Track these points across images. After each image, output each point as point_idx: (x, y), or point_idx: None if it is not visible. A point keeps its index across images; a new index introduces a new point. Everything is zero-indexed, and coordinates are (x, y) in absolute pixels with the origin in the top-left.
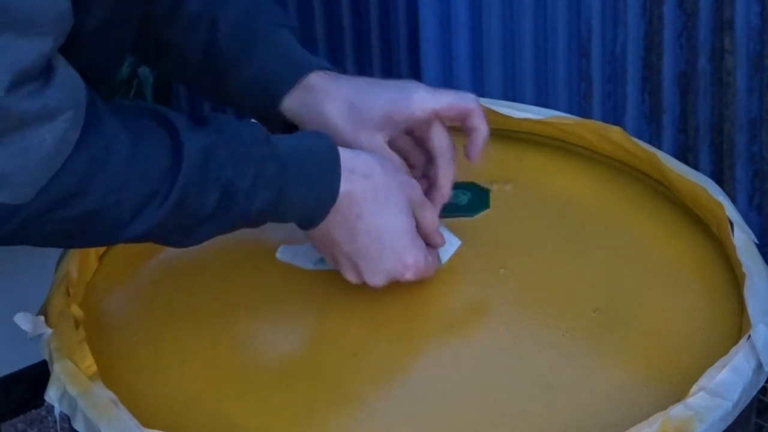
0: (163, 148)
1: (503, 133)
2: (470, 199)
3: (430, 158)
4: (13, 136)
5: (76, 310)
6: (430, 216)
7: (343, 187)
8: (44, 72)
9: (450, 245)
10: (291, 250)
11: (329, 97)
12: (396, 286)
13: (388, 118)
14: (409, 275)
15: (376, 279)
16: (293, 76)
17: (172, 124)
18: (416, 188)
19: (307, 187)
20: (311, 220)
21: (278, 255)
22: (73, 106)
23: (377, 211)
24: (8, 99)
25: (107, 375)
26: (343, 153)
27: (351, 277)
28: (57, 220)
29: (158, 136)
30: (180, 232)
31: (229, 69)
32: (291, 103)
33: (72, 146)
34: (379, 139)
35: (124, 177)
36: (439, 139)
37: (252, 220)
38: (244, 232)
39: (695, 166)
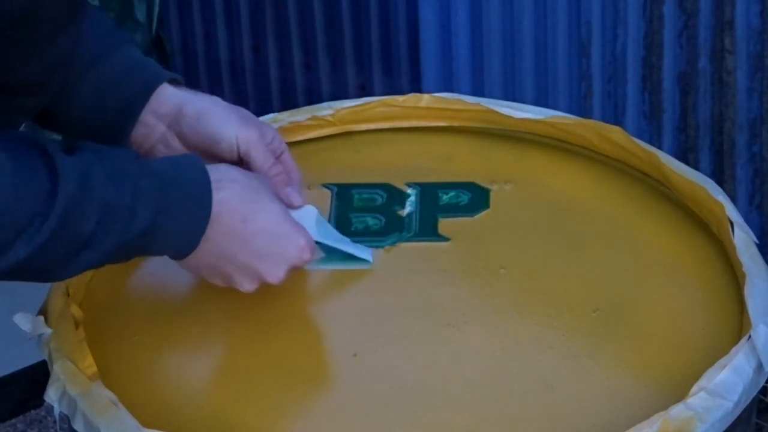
0: (41, 172)
1: (503, 133)
2: (470, 199)
3: None
4: None
5: (76, 310)
6: (286, 198)
7: (217, 195)
8: None
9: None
10: None
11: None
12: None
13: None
14: (306, 256)
15: (279, 273)
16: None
17: (47, 150)
18: (267, 178)
19: (185, 201)
20: (192, 238)
21: None
22: None
23: (258, 209)
24: None
25: (107, 375)
26: (207, 166)
27: (249, 285)
28: None
29: (36, 160)
30: (60, 258)
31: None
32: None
33: None
34: None
35: (5, 199)
36: (261, 164)
37: (134, 244)
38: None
39: (695, 166)
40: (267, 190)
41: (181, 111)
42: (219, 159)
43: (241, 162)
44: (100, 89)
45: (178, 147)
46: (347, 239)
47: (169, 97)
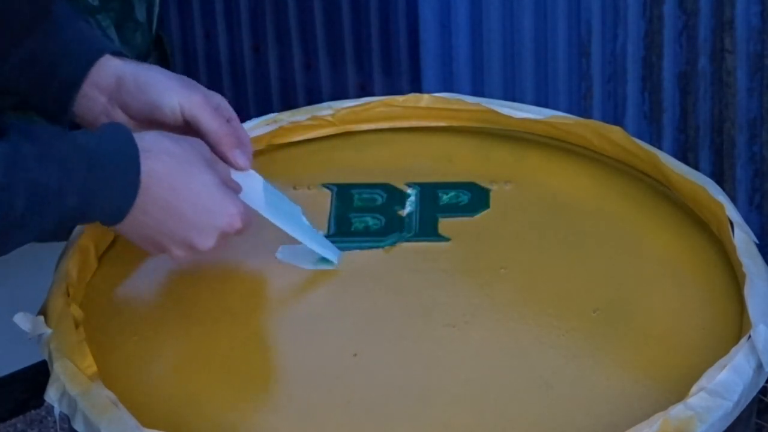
0: None
1: (503, 133)
2: (470, 199)
3: None
4: None
5: (76, 310)
6: (223, 167)
7: (145, 166)
8: None
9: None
10: (291, 250)
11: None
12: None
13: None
14: (237, 224)
15: (209, 241)
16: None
17: None
18: (203, 145)
19: (113, 175)
20: (121, 209)
21: (278, 255)
22: None
23: (187, 177)
24: None
25: (107, 375)
26: (135, 135)
27: (180, 252)
28: None
29: None
30: None
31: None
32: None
33: None
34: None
35: None
36: (209, 125)
37: (65, 221)
38: (245, 233)
39: (695, 166)
40: (199, 158)
41: (121, 81)
42: (163, 126)
43: (188, 127)
44: (44, 63)
45: (121, 118)
46: (308, 226)
47: (110, 68)
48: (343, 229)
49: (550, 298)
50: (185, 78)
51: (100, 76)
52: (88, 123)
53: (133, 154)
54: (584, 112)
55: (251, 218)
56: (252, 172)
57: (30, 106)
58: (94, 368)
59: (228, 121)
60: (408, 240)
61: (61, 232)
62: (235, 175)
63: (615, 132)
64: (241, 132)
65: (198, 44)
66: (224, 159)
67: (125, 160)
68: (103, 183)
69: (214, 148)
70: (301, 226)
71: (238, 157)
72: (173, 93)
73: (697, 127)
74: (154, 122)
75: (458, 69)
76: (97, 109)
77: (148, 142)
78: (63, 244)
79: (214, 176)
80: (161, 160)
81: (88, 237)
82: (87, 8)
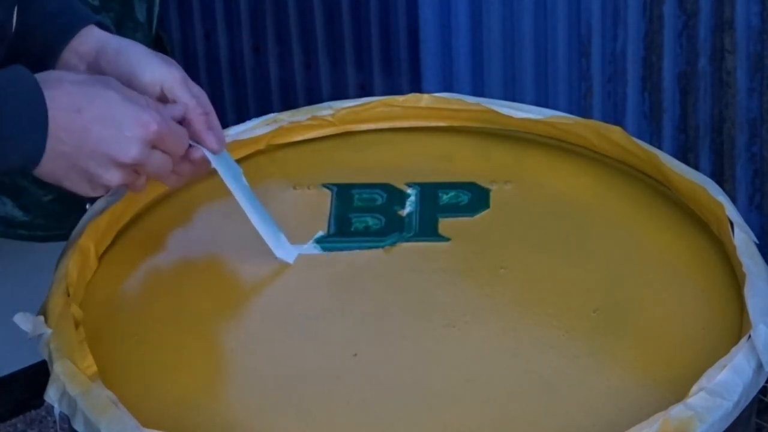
0: None
1: (503, 133)
2: (470, 199)
3: None
4: None
5: (76, 310)
6: (205, 141)
7: (47, 94)
8: None
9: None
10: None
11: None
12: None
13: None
14: (152, 127)
15: (131, 151)
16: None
17: None
18: (113, 79)
19: (17, 111)
20: (36, 143)
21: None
22: None
23: (91, 96)
24: None
25: (107, 375)
26: (39, 75)
27: (113, 174)
28: None
29: None
30: None
31: None
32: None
33: None
34: None
35: None
36: (186, 100)
37: None
38: (245, 232)
39: (695, 166)
40: (102, 81)
41: (102, 50)
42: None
43: (162, 100)
44: (26, 30)
45: None
46: (271, 220)
47: (91, 37)
48: (343, 229)
49: (550, 298)
50: (168, 57)
51: (81, 44)
52: None
53: (34, 88)
54: (584, 112)
55: (171, 124)
56: (227, 155)
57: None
58: (94, 368)
59: (207, 114)
60: (408, 240)
61: None
62: (213, 160)
63: (615, 132)
64: (210, 110)
65: (198, 44)
66: (197, 138)
67: (27, 96)
68: (8, 119)
69: (188, 126)
70: (264, 219)
71: (211, 137)
72: (154, 66)
73: (697, 127)
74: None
75: (458, 69)
76: None
77: (44, 74)
78: (63, 244)
79: (119, 92)
80: (61, 87)
81: (88, 237)
82: None
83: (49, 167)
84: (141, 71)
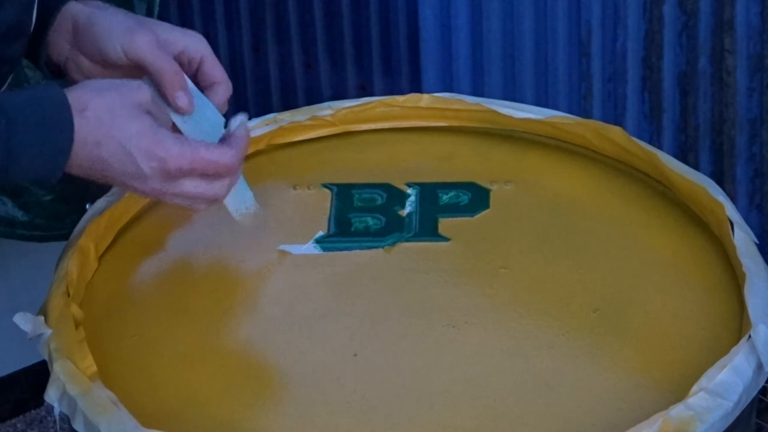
0: None
1: (503, 133)
2: (470, 199)
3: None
4: None
5: (76, 310)
6: (172, 101)
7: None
8: None
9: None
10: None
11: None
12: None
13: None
14: (172, 164)
15: (149, 184)
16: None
17: None
18: (142, 88)
19: (39, 137)
20: (52, 171)
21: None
22: None
23: (112, 130)
24: None
25: (107, 375)
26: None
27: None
28: None
29: None
30: None
31: None
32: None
33: None
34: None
35: None
36: (153, 66)
37: None
38: (245, 232)
39: (695, 166)
40: (126, 109)
41: (77, 27)
42: (118, 69)
43: (138, 69)
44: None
45: (85, 64)
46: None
47: (70, 14)
48: (343, 229)
49: (550, 298)
50: (142, 19)
51: (61, 23)
52: (59, 72)
53: (63, 109)
54: (584, 112)
55: (194, 154)
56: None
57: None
58: (94, 368)
59: (200, 61)
60: (408, 240)
61: None
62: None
63: (615, 132)
64: (215, 77)
65: None
66: (168, 101)
67: (56, 117)
68: (28, 149)
69: (161, 90)
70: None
71: (179, 98)
72: (116, 36)
73: (697, 127)
74: (108, 66)
75: (458, 69)
76: (63, 57)
77: (75, 94)
78: (63, 244)
79: (140, 122)
80: (84, 116)
81: (88, 237)
82: None
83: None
84: (106, 45)
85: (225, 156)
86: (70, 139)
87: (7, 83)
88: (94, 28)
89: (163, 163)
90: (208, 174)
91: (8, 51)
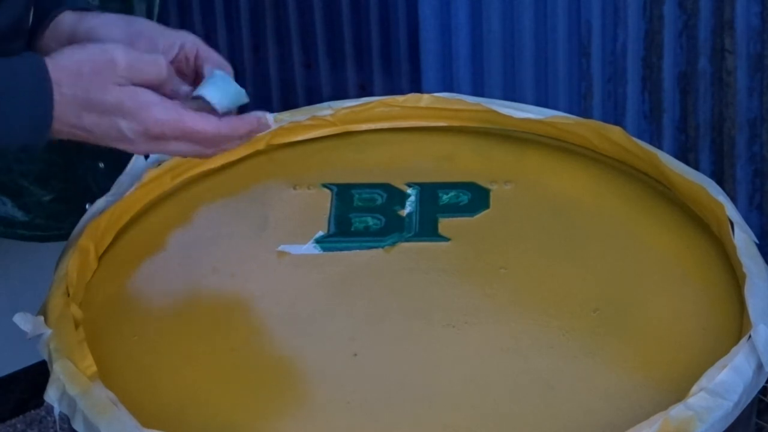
0: None
1: (503, 133)
2: (470, 199)
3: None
4: None
5: (75, 310)
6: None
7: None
8: None
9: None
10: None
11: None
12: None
13: None
14: (156, 129)
15: (134, 147)
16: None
17: None
18: (117, 50)
19: (20, 107)
20: (34, 141)
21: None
22: None
23: (90, 101)
24: None
25: (107, 375)
26: (49, 62)
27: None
28: None
29: None
30: None
31: None
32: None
33: None
34: None
35: None
36: (150, 79)
37: None
38: (245, 232)
39: (695, 166)
40: (103, 74)
41: (73, 38)
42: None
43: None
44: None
45: None
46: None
47: (66, 24)
48: (343, 229)
49: (550, 298)
50: (135, 26)
51: (57, 31)
52: None
53: (45, 89)
54: (584, 112)
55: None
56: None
57: None
58: (94, 368)
59: (196, 55)
60: (408, 240)
61: None
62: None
63: (615, 132)
64: (213, 57)
65: None
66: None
67: (37, 94)
68: (13, 95)
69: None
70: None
71: (177, 86)
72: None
73: (697, 127)
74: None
75: (458, 69)
76: None
77: (60, 63)
78: (63, 244)
79: (122, 89)
80: (60, 94)
81: (88, 237)
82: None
83: (61, 120)
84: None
85: (209, 125)
86: (50, 116)
87: None
88: (92, 41)
89: (145, 127)
90: (195, 141)
91: (9, 48)
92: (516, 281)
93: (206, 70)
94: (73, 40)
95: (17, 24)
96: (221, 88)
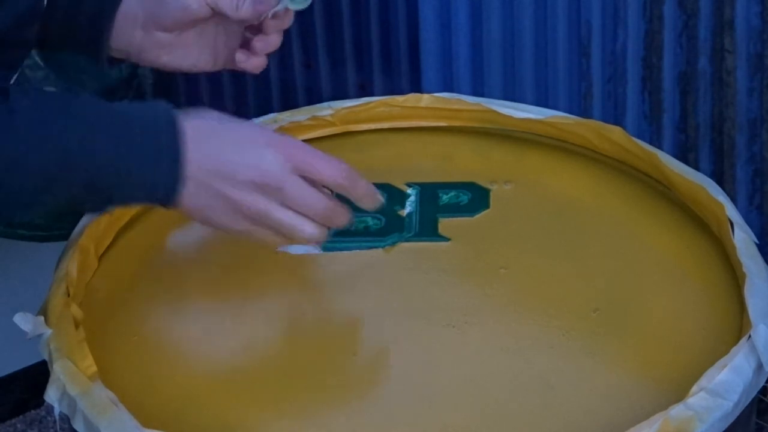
0: None
1: (503, 133)
2: (470, 199)
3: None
4: None
5: (75, 310)
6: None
7: (185, 124)
8: None
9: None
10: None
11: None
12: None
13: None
14: (299, 155)
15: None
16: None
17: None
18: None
19: (148, 137)
20: (170, 186)
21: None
22: None
23: (228, 124)
24: None
25: (107, 375)
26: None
27: (257, 200)
28: None
29: None
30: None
31: None
32: None
33: None
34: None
35: None
36: (227, 7)
37: (98, 185)
38: None
39: (695, 166)
40: (246, 126)
41: (145, 3)
42: (198, 23)
43: (218, 17)
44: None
45: (162, 37)
46: None
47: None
48: (343, 229)
49: (550, 298)
50: None
51: (124, 11)
52: (126, 54)
53: (169, 115)
54: (584, 112)
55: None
56: None
57: (61, 46)
58: (94, 368)
59: (263, 16)
60: (408, 240)
61: (93, 202)
62: None
63: (615, 132)
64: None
65: None
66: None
67: (162, 119)
68: (137, 146)
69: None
70: None
71: (238, 54)
72: None
73: (697, 127)
74: (188, 23)
75: (458, 69)
76: (132, 44)
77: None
78: (63, 244)
79: (257, 128)
80: (199, 122)
81: (88, 237)
82: None
83: (186, 202)
84: (187, 1)
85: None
86: (176, 135)
87: (20, 69)
88: None
89: (289, 152)
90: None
91: (24, 33)
92: (516, 281)
93: None
94: (145, 4)
95: (34, 7)
96: None
